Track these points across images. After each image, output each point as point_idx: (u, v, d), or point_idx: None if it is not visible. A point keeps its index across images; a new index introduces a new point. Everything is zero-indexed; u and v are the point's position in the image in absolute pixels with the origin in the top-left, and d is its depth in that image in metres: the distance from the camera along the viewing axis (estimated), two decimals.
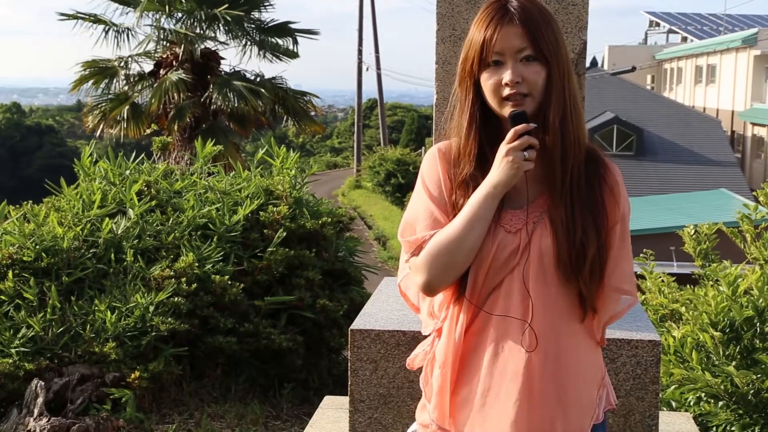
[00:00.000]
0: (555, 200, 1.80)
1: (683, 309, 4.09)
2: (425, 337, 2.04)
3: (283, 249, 4.86)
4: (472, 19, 3.17)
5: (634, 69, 31.72)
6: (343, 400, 3.45)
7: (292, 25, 14.56)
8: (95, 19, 14.08)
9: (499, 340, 1.82)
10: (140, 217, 4.87)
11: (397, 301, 3.33)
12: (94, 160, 5.47)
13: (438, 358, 1.89)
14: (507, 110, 1.79)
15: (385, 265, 17.66)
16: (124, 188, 5.10)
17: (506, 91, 1.78)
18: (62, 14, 14.21)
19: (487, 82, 1.81)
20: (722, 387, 3.51)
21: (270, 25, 14.47)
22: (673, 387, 3.72)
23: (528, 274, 1.80)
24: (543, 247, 1.80)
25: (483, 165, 1.83)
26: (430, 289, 1.86)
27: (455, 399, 1.86)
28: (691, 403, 3.79)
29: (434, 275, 1.82)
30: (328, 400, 3.76)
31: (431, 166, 1.92)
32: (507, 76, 1.77)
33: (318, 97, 15.44)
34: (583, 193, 1.82)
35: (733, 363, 3.59)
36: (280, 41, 14.42)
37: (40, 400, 3.96)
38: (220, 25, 13.99)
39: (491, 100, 1.82)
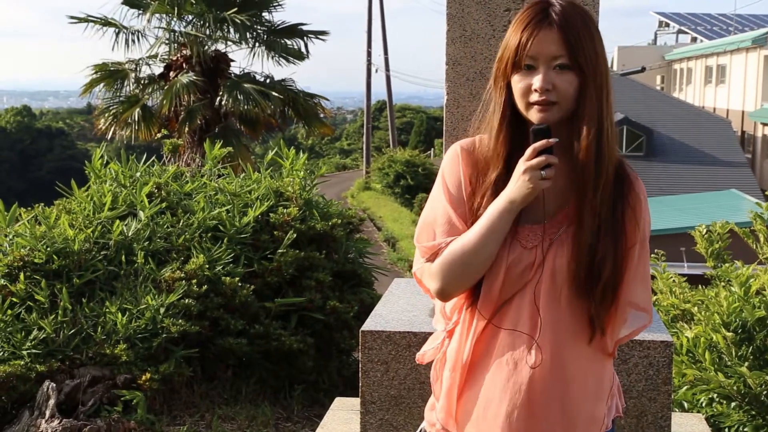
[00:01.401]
0: (582, 221, 1.76)
1: (695, 309, 4.07)
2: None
3: (294, 250, 4.86)
4: (482, 20, 3.18)
5: (643, 69, 31.62)
6: (354, 402, 3.45)
7: (303, 27, 14.58)
8: (105, 22, 14.14)
9: (505, 353, 1.81)
10: (151, 219, 4.88)
11: (408, 302, 3.33)
12: (104, 162, 5.49)
13: (448, 359, 1.89)
14: (533, 115, 1.75)
15: (395, 267, 17.64)
16: (134, 190, 5.11)
17: (534, 97, 1.74)
18: (72, 17, 14.28)
19: (517, 84, 1.77)
20: (735, 388, 3.49)
21: (280, 27, 14.50)
22: (685, 388, 3.70)
23: (539, 291, 1.78)
24: (557, 266, 1.78)
25: (509, 169, 1.79)
26: (443, 296, 1.85)
27: (461, 403, 1.86)
28: (704, 404, 3.77)
29: (447, 283, 1.81)
30: (338, 401, 3.76)
31: (453, 165, 1.88)
32: (537, 82, 1.73)
33: (327, 99, 15.46)
34: (607, 213, 1.77)
35: (746, 364, 3.57)
36: (289, 42, 14.45)
37: (51, 401, 3.98)
38: (230, 27, 14.02)
39: (519, 103, 1.78)
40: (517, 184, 1.74)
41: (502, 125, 1.82)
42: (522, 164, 1.73)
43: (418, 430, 2.06)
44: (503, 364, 1.80)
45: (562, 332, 1.79)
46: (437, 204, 1.88)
